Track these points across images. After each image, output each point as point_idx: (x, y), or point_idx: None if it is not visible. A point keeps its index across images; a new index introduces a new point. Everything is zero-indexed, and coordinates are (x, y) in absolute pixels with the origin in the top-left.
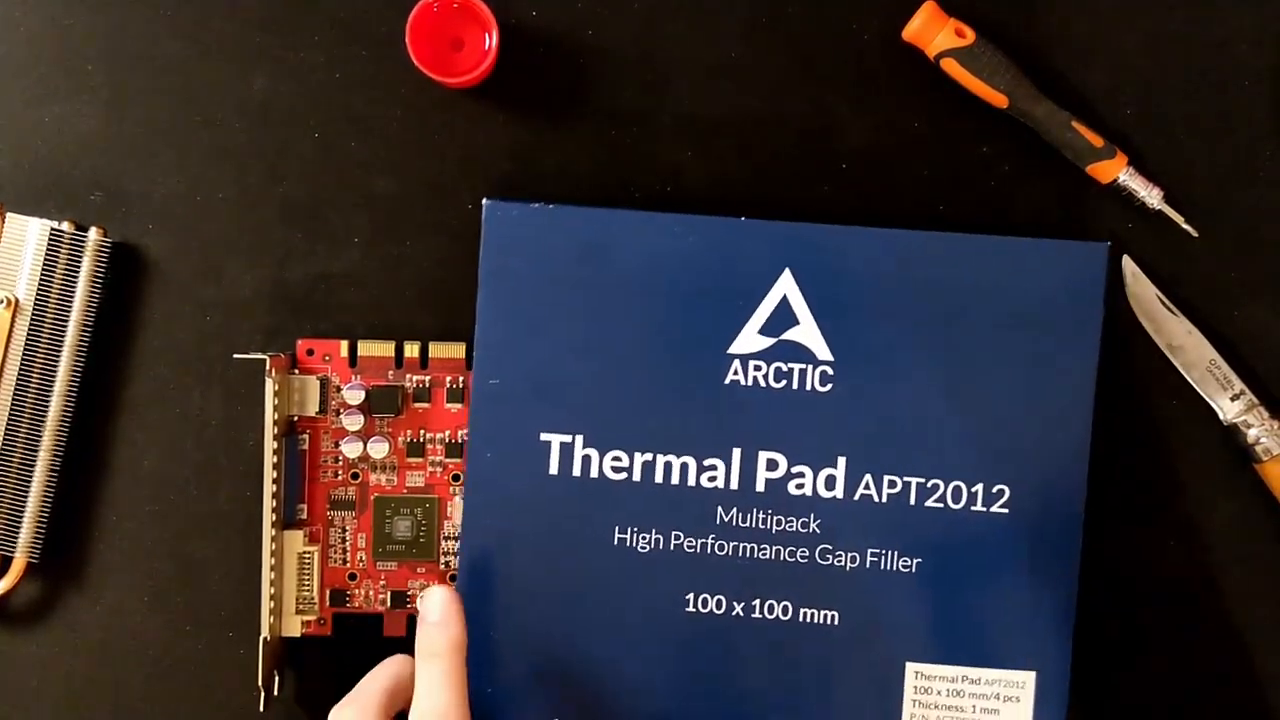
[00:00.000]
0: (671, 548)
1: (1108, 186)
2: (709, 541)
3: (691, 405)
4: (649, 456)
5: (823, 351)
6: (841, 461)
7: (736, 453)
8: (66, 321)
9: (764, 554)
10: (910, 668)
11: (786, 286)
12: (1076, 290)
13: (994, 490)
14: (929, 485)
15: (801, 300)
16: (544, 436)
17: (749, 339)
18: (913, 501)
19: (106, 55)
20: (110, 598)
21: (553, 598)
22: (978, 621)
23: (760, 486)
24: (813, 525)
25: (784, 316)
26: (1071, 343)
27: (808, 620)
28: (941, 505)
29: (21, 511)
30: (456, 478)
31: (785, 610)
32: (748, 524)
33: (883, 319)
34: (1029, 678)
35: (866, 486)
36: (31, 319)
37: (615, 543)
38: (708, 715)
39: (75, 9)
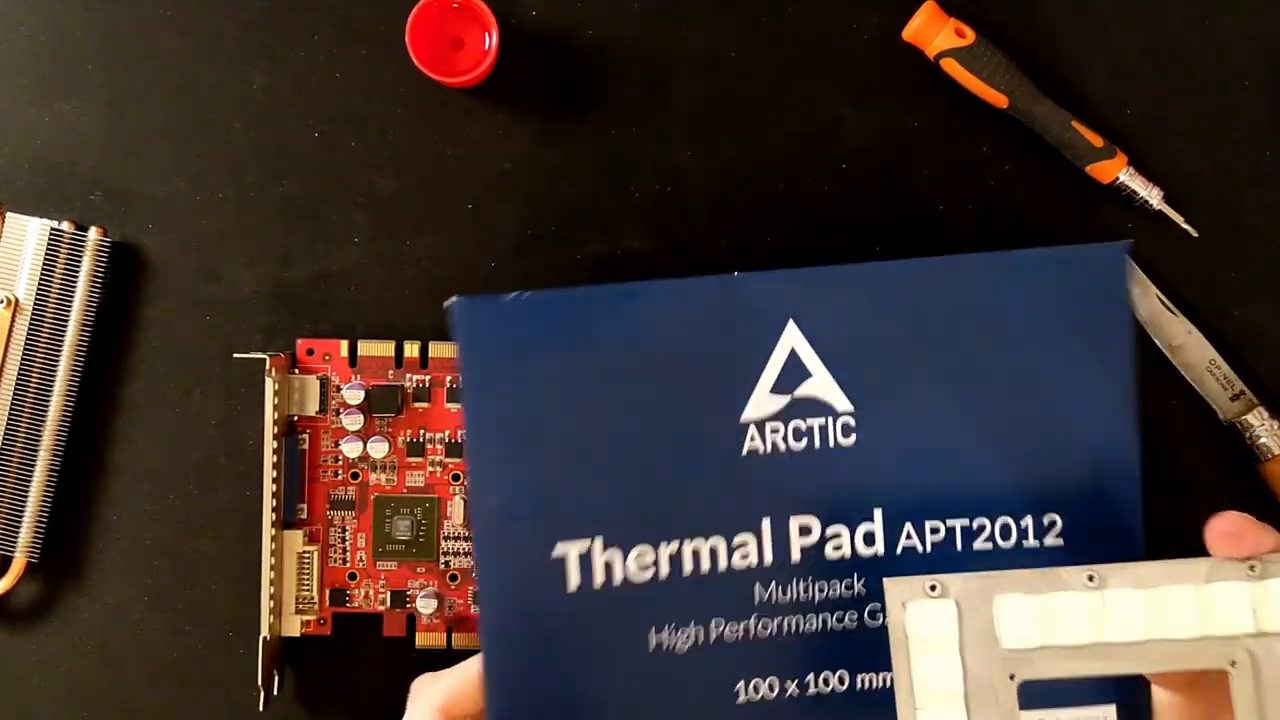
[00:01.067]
0: (713, 640)
1: (1108, 186)
2: (751, 624)
3: (711, 482)
4: (675, 547)
5: (841, 402)
6: (878, 514)
7: (766, 524)
8: (66, 321)
9: (810, 626)
10: None
11: (793, 339)
12: (1100, 295)
13: (1045, 521)
14: (974, 526)
15: (811, 351)
16: (558, 550)
17: (761, 402)
18: (959, 546)
19: (106, 55)
20: (110, 598)
21: (593, 717)
22: None
23: (796, 556)
24: (857, 586)
25: (794, 371)
26: (1102, 350)
27: (867, 687)
28: (991, 546)
29: (21, 511)
30: (456, 477)
31: (842, 680)
32: (789, 597)
33: (900, 357)
34: (1109, 712)
35: (908, 537)
36: (31, 319)
37: (653, 648)
38: None
39: (75, 9)
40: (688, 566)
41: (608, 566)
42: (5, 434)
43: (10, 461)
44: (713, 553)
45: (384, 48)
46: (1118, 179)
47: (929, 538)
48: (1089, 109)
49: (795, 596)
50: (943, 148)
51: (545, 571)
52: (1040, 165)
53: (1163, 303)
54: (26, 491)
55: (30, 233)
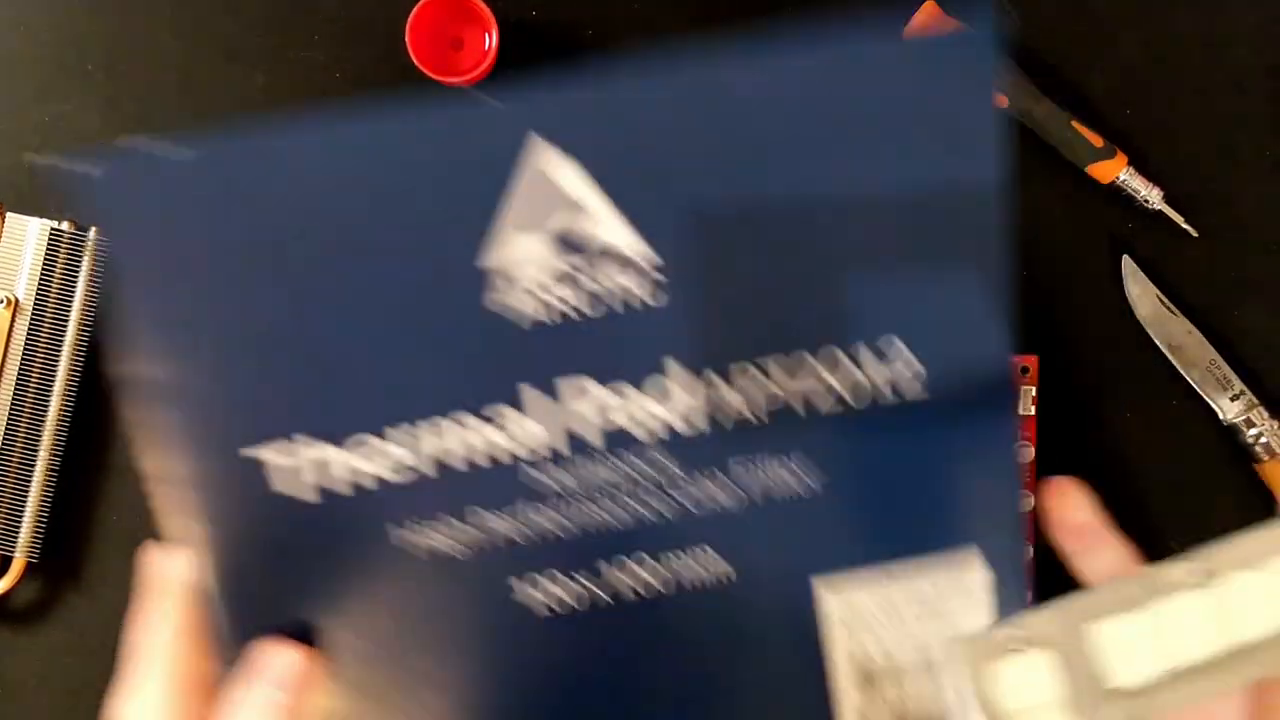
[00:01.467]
0: (480, 536)
1: (1108, 186)
2: (525, 515)
3: (448, 350)
4: (412, 430)
5: (635, 246)
6: (687, 377)
7: (528, 391)
8: (66, 321)
9: (608, 514)
10: (828, 596)
11: (544, 161)
12: (960, 91)
13: (906, 372)
14: (817, 385)
15: (578, 175)
16: (258, 453)
17: (513, 244)
18: (801, 412)
19: (106, 55)
20: (110, 598)
21: (353, 641)
22: (904, 526)
23: (586, 433)
24: (666, 463)
25: (551, 202)
26: (963, 159)
27: (689, 580)
28: (841, 408)
29: (21, 511)
30: None
31: (652, 572)
32: (577, 480)
33: (712, 184)
34: (977, 570)
35: (733, 403)
36: (31, 318)
37: (401, 548)
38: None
39: (75, 9)
40: (432, 451)
41: (325, 462)
42: (5, 434)
43: (10, 461)
44: (467, 435)
45: (384, 48)
46: (1118, 179)
47: (762, 403)
48: (1089, 109)
49: (586, 479)
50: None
51: (245, 477)
52: (1040, 165)
53: (1163, 303)
54: (26, 491)
55: (30, 233)
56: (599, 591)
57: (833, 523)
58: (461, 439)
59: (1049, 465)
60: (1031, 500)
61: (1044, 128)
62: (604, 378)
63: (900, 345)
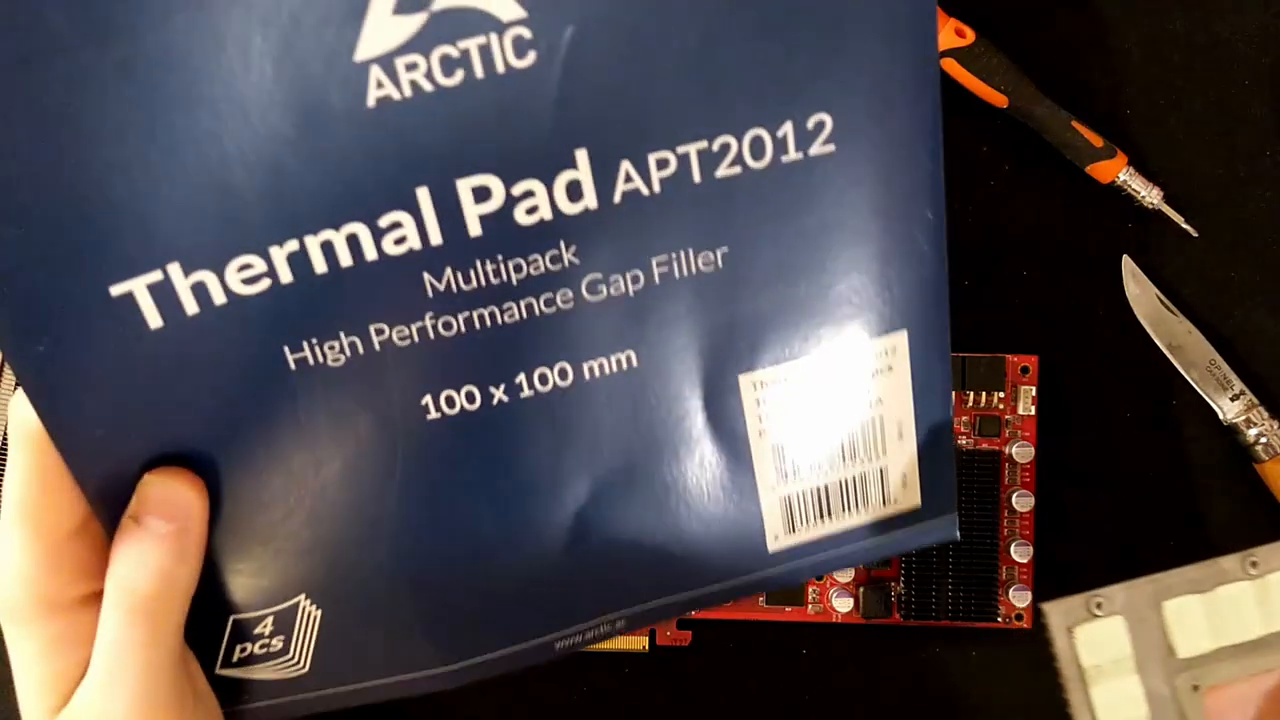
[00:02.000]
0: (378, 349)
1: (1108, 186)
2: (428, 324)
3: (333, 154)
4: (294, 245)
5: (505, 8)
6: (582, 157)
7: (423, 195)
8: None
9: (511, 315)
10: (744, 381)
11: None
12: None
13: (809, 124)
14: (715, 148)
15: None
16: (118, 289)
17: (383, 29)
18: (698, 178)
19: None
20: None
21: (252, 469)
22: (819, 296)
23: (475, 229)
24: (566, 255)
25: None
26: None
27: (597, 375)
28: (740, 169)
29: None
30: None
31: (563, 374)
32: (474, 284)
33: None
34: (898, 340)
35: (628, 179)
36: None
37: (295, 367)
38: (503, 539)
39: None
40: (319, 265)
41: (200, 289)
42: (5, 434)
43: None
44: (353, 243)
45: None
46: (1118, 179)
47: (656, 175)
48: (1089, 109)
49: (483, 281)
50: (943, 147)
51: (108, 318)
52: (1040, 165)
53: (1163, 303)
54: None
55: None
56: (505, 396)
57: (741, 299)
58: (355, 250)
59: (1049, 465)
60: (1031, 499)
61: (1044, 128)
62: (510, 176)
63: (828, 120)
